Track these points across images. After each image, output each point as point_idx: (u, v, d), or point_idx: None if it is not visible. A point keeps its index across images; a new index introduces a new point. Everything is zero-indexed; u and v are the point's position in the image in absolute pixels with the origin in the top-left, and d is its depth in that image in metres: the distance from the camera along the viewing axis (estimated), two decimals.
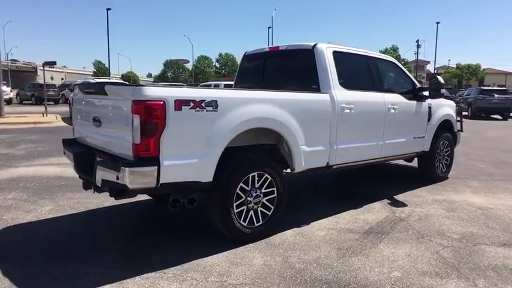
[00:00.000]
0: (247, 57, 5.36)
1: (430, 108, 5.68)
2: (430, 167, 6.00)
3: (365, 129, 4.73)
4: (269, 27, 42.88)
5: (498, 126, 17.21)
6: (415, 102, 5.44)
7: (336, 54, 4.45)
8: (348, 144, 4.47)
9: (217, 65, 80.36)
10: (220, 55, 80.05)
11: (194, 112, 3.15)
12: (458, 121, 6.44)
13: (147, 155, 2.97)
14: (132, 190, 3.06)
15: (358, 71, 4.85)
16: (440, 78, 5.24)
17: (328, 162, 4.33)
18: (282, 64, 4.95)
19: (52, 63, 16.53)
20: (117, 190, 3.27)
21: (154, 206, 4.82)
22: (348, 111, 4.39)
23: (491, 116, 21.71)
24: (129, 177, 2.91)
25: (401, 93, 5.31)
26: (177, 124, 3.04)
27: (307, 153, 4.02)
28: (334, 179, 6.33)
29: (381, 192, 5.50)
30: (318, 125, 4.14)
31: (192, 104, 3.12)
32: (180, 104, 3.06)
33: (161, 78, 75.24)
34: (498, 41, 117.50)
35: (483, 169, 7.19)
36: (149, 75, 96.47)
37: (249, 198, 3.61)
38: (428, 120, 5.69)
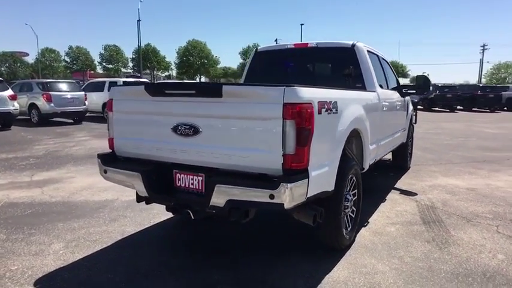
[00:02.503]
0: (261, 54, 5.03)
1: (407, 103, 6.29)
2: (405, 156, 6.65)
3: (389, 125, 4.99)
4: (138, 20, 40.34)
5: None
6: (403, 98, 5.94)
7: (368, 54, 4.56)
8: (383, 141, 4.65)
9: (67, 59, 71.65)
10: (70, 48, 71.44)
11: (327, 115, 2.86)
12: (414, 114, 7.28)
13: (299, 167, 2.57)
14: (283, 209, 2.59)
15: (379, 70, 5.05)
16: (427, 75, 5.84)
17: (375, 159, 4.42)
18: (312, 62, 4.80)
19: None
20: (245, 212, 2.77)
21: (184, 223, 4.17)
22: (386, 109, 4.56)
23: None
24: (290, 195, 2.48)
25: (394, 90, 5.74)
26: (319, 129, 2.71)
27: (371, 152, 4.04)
28: None
29: (379, 183, 5.88)
30: (375, 123, 4.19)
31: (326, 106, 2.83)
32: (320, 106, 2.74)
33: None
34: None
35: (424, 156, 8.30)
36: None
37: (346, 203, 3.45)
38: (407, 114, 6.31)
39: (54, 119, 14.97)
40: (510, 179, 6.22)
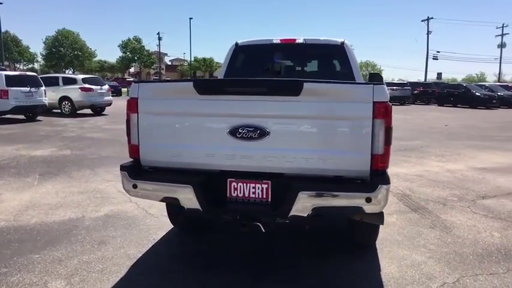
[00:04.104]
0: (242, 49, 4.73)
1: None
2: None
3: None
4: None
5: None
6: None
7: None
8: None
9: None
10: None
11: None
12: None
13: (384, 167, 2.52)
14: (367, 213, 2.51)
15: None
16: (381, 74, 6.28)
17: None
18: (299, 58, 4.70)
19: None
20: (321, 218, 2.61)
21: (188, 236, 3.73)
22: None
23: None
24: (385, 197, 2.41)
25: None
26: None
27: None
28: None
29: None
30: None
31: None
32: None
33: None
34: (231, 38, 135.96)
35: None
36: None
37: None
38: None
39: None
40: (440, 164, 7.14)
